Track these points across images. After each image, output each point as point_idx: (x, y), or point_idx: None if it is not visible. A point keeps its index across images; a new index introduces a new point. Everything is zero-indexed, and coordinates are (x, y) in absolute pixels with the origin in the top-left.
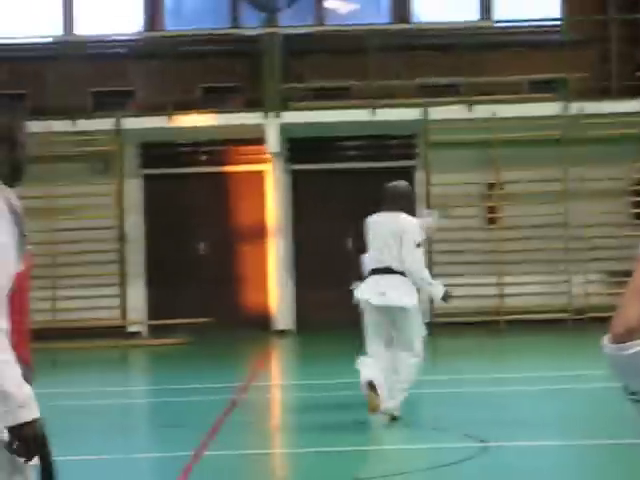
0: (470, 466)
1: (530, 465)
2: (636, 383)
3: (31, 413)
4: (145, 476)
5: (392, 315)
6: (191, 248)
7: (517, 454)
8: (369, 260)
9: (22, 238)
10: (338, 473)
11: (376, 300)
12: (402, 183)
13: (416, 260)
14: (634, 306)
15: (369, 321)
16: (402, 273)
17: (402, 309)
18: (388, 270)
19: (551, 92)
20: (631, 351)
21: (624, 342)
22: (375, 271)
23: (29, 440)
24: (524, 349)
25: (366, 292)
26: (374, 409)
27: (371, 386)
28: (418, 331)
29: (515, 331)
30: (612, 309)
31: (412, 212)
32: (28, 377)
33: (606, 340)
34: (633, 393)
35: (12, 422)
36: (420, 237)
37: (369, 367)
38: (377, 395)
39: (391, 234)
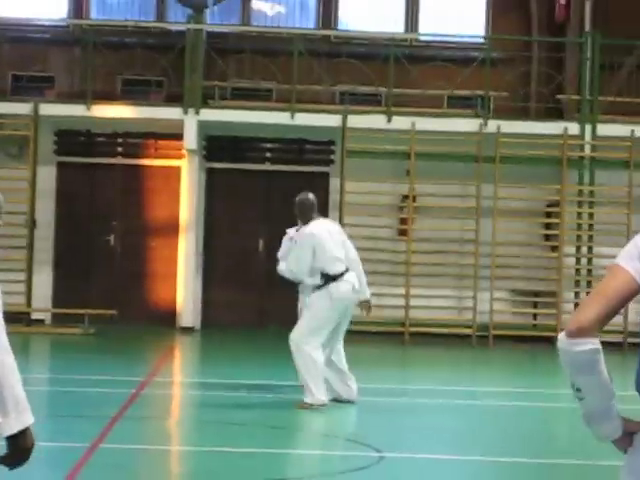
0: (363, 476)
1: (424, 478)
2: (582, 380)
3: (31, 415)
4: (38, 466)
5: (350, 309)
6: (101, 239)
7: (412, 466)
8: (332, 263)
9: None
10: (234, 474)
11: (353, 296)
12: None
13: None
14: (590, 308)
15: (333, 318)
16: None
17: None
18: (347, 270)
19: (471, 108)
20: (578, 348)
21: (575, 339)
22: (339, 274)
23: (30, 446)
24: (427, 362)
25: (343, 288)
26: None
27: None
28: None
29: (419, 343)
30: (516, 327)
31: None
32: None
33: (561, 335)
34: (578, 390)
35: (21, 426)
36: None
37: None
38: None
39: (340, 239)
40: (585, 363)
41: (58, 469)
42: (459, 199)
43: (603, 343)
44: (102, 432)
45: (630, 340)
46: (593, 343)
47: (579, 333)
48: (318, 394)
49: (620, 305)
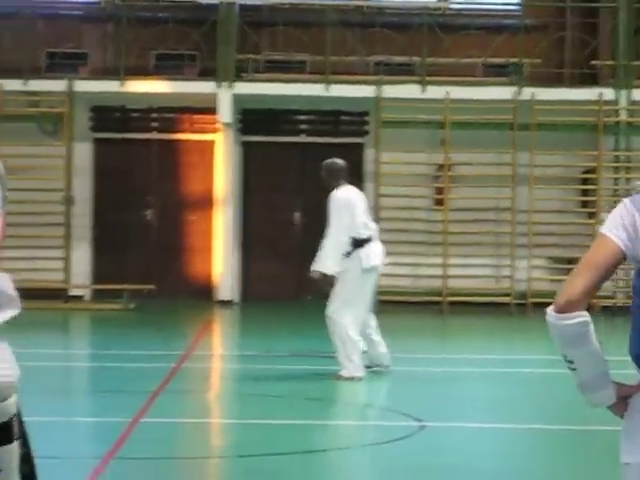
0: (404, 445)
1: (465, 446)
2: (572, 352)
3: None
4: (82, 440)
5: (377, 279)
6: (138, 214)
7: (453, 435)
8: (362, 228)
9: None
10: (274, 445)
11: (380, 266)
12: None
13: None
14: (579, 281)
15: (365, 289)
16: None
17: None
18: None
19: (505, 76)
20: (569, 322)
21: (565, 313)
22: (368, 239)
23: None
24: (465, 331)
25: (374, 259)
26: None
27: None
28: None
29: (457, 313)
30: (554, 295)
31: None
32: None
33: (550, 309)
34: (570, 362)
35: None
36: None
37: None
38: None
39: (366, 206)
40: (575, 336)
41: (100, 444)
42: (495, 167)
43: (491, 305)
44: (143, 406)
45: (516, 302)
46: (582, 316)
47: (568, 307)
48: (354, 368)
49: (608, 275)
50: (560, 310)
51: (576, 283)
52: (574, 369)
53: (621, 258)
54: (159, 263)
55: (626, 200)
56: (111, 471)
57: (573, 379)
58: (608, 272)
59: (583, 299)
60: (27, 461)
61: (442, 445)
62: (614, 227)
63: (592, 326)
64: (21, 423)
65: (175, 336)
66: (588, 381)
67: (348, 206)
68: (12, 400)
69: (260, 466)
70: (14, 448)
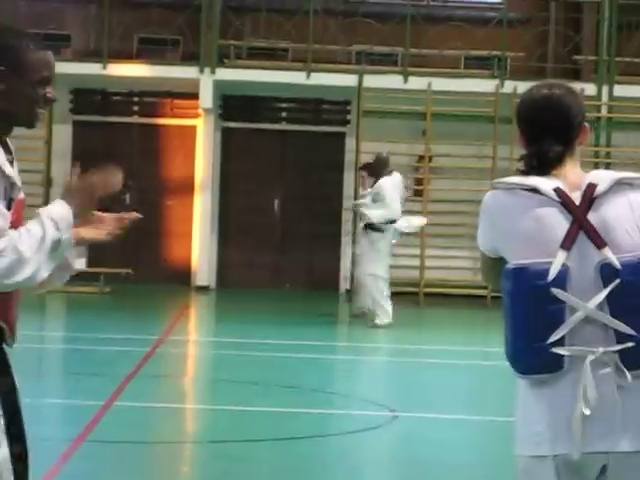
0: (375, 434)
1: (438, 438)
2: None
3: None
4: (54, 422)
5: None
6: (116, 197)
7: (426, 426)
8: (393, 210)
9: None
10: (245, 431)
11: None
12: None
13: None
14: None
15: (390, 254)
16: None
17: None
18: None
19: (488, 69)
20: None
21: None
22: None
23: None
24: (441, 323)
25: (405, 225)
26: None
27: None
28: None
29: (434, 304)
30: None
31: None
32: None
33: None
34: None
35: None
36: None
37: None
38: None
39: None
40: None
41: (73, 426)
42: (475, 160)
43: (468, 297)
44: (116, 390)
45: (493, 294)
46: None
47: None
48: (386, 317)
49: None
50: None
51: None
52: None
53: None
54: (137, 247)
55: (487, 197)
56: (82, 453)
57: None
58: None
59: None
60: (21, 460)
61: (414, 435)
62: (480, 235)
63: None
64: (20, 422)
65: (150, 321)
66: None
67: (396, 190)
68: None
69: (230, 452)
70: None
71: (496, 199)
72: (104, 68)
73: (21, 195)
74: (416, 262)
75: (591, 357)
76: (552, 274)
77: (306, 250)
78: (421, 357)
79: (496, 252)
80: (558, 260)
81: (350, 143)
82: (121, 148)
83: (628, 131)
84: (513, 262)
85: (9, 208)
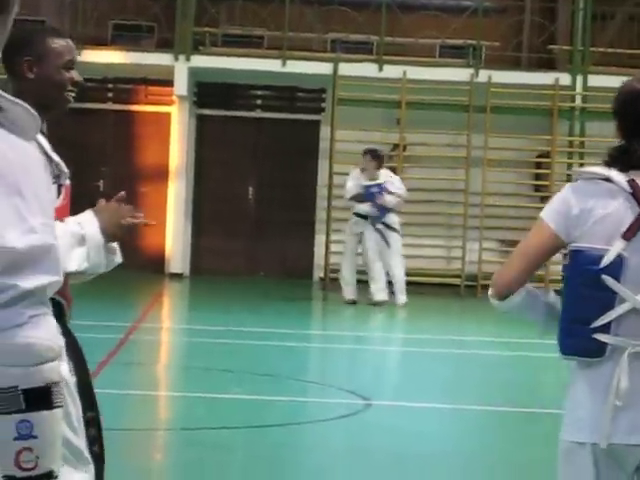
0: (347, 423)
1: (411, 427)
2: (525, 315)
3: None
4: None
5: None
6: (91, 184)
7: (397, 413)
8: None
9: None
10: (218, 419)
11: None
12: None
13: None
14: (513, 267)
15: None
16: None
17: None
18: None
19: (462, 58)
20: (510, 304)
21: (504, 296)
22: None
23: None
24: (415, 311)
25: None
26: None
27: None
28: None
29: (407, 292)
30: None
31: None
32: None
33: (490, 292)
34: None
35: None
36: None
37: None
38: None
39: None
40: (521, 308)
41: None
42: (449, 149)
43: (442, 286)
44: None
45: (467, 283)
46: (519, 293)
47: (507, 293)
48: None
49: (544, 260)
50: (500, 297)
51: (512, 271)
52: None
53: (558, 244)
54: None
55: (567, 186)
56: None
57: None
58: (544, 258)
59: (520, 283)
60: (94, 425)
61: (387, 424)
62: (555, 213)
63: (532, 290)
64: (91, 390)
65: (124, 308)
66: (545, 322)
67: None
68: (50, 366)
69: (204, 439)
70: (53, 416)
71: (575, 188)
72: (78, 54)
73: (67, 182)
74: None
75: (631, 349)
76: (605, 261)
77: (280, 238)
78: (395, 346)
79: (569, 236)
80: (615, 248)
81: (325, 131)
82: (95, 135)
83: (602, 121)
84: (573, 244)
85: (59, 194)
